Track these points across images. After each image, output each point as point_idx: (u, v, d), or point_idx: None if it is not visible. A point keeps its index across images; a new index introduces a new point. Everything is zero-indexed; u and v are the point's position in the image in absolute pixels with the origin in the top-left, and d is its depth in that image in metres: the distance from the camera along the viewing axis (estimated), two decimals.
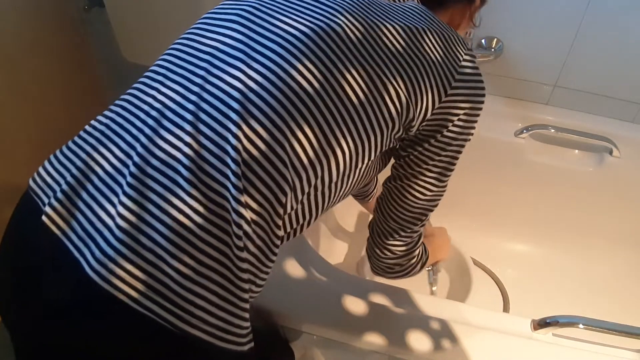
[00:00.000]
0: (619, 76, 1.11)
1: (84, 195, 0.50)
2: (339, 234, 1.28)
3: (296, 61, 0.52)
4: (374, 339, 0.71)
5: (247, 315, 0.53)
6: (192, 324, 0.48)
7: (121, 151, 0.51)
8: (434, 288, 1.05)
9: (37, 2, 1.12)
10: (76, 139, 0.55)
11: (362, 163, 0.57)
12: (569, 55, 1.11)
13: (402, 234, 0.70)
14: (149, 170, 0.49)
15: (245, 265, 0.50)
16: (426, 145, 0.63)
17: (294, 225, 0.57)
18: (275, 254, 0.54)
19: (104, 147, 0.52)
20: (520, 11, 1.08)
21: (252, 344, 0.55)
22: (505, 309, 1.16)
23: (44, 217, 0.50)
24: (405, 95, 0.56)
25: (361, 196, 1.05)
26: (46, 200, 0.51)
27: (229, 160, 0.49)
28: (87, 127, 0.55)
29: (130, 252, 0.47)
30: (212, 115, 0.50)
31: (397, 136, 0.59)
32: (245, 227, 0.49)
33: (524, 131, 1.18)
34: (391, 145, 0.60)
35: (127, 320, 0.48)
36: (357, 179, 0.60)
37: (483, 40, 1.13)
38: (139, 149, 0.50)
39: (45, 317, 0.50)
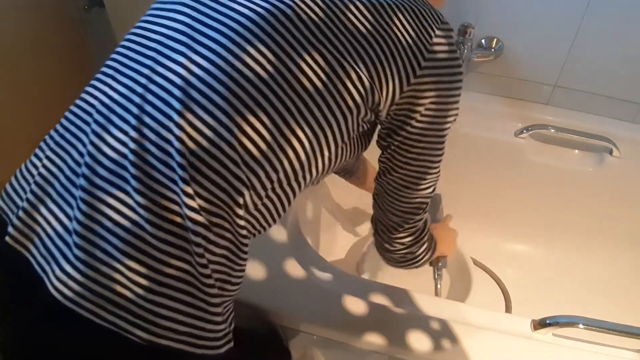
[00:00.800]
0: (619, 76, 1.11)
1: (43, 210, 0.49)
2: (339, 233, 1.28)
3: (247, 44, 0.49)
4: (374, 339, 0.71)
5: (220, 318, 0.52)
6: (159, 335, 0.47)
7: (73, 161, 0.50)
8: (439, 285, 1.04)
9: (37, 2, 1.12)
10: (36, 150, 0.53)
11: (328, 151, 0.54)
12: (569, 55, 1.11)
13: (406, 225, 0.69)
14: (97, 180, 0.47)
15: (208, 271, 0.49)
16: (404, 133, 0.60)
17: (266, 218, 0.55)
18: (245, 252, 0.53)
19: (58, 158, 0.51)
20: (520, 11, 1.08)
21: (230, 344, 0.54)
22: (508, 309, 1.16)
23: (7, 238, 0.49)
24: (368, 79, 0.53)
25: (343, 173, 1.00)
26: (12, 218, 0.51)
27: (173, 152, 0.47)
28: (46, 136, 0.54)
29: (87, 269, 0.46)
30: (156, 105, 0.48)
31: (366, 119, 0.56)
32: (204, 232, 0.48)
33: (524, 131, 1.18)
34: (363, 128, 0.57)
35: (94, 336, 0.47)
36: (328, 165, 0.57)
37: (483, 40, 1.13)
38: (86, 157, 0.48)
39: (17, 337, 0.50)
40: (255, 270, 0.78)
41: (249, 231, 0.53)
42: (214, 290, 0.50)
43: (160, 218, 0.46)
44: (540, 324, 0.73)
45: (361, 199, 1.33)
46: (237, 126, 0.48)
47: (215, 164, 0.48)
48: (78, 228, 0.46)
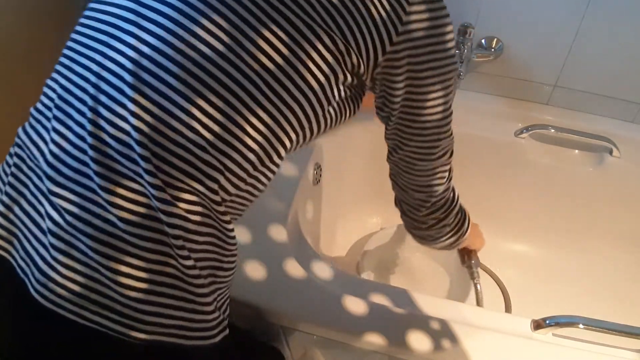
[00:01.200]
0: (619, 76, 1.11)
1: (18, 211, 0.49)
2: (339, 233, 1.28)
3: (201, 17, 0.45)
4: (374, 339, 0.70)
5: (210, 307, 0.50)
6: (147, 331, 0.46)
7: (40, 160, 0.48)
8: (479, 287, 0.99)
9: (37, 2, 1.12)
10: (10, 149, 0.53)
11: (308, 121, 0.51)
12: (569, 55, 1.11)
13: (433, 199, 0.65)
14: (63, 181, 0.46)
15: (190, 262, 0.47)
16: (400, 100, 0.56)
17: (251, 196, 0.53)
18: (232, 237, 0.52)
19: (27, 157, 0.50)
20: (520, 11, 1.08)
21: (225, 333, 0.53)
22: (507, 308, 1.16)
23: None
24: (342, 41, 0.49)
25: None
26: None
27: (133, 144, 0.45)
28: (15, 136, 0.53)
29: (66, 270, 0.45)
30: (110, 94, 0.45)
31: (347, 84, 0.53)
32: (181, 223, 0.46)
33: (524, 131, 1.18)
34: (347, 93, 0.54)
35: (82, 337, 0.47)
36: (315, 133, 0.54)
37: (483, 40, 1.13)
38: (49, 157, 0.47)
39: (7, 340, 0.49)
40: (255, 270, 0.78)
41: (233, 215, 0.52)
42: (200, 281, 0.49)
43: (131, 213, 0.45)
44: (540, 324, 0.73)
45: (361, 198, 1.34)
46: (196, 107, 0.45)
47: (180, 151, 0.45)
48: (53, 228, 0.46)
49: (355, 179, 1.27)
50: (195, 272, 0.48)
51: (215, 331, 0.52)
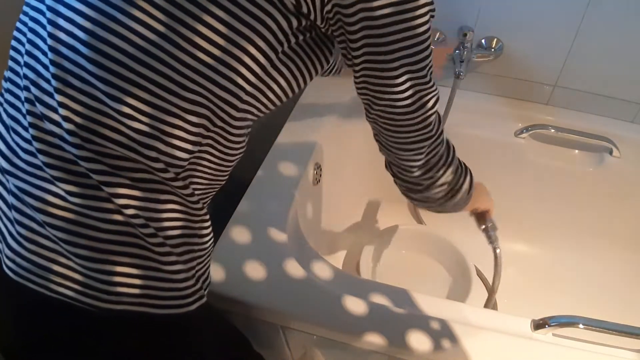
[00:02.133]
0: (619, 76, 1.11)
1: None
2: (339, 233, 1.28)
3: None
4: (374, 339, 0.70)
5: (180, 276, 0.51)
6: (113, 301, 0.47)
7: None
8: (498, 250, 0.94)
9: None
10: None
11: (272, 79, 0.50)
12: (569, 55, 1.11)
13: (423, 157, 0.59)
14: (16, 160, 0.48)
15: (150, 230, 0.48)
16: (365, 43, 0.50)
17: (218, 170, 0.54)
18: (195, 202, 0.52)
19: None
20: (520, 11, 1.07)
21: (201, 301, 0.53)
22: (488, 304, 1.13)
23: None
24: None
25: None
26: None
27: (66, 136, 0.46)
28: None
29: (29, 243, 0.47)
30: (41, 86, 0.47)
31: (295, 27, 0.49)
32: (131, 202, 0.47)
33: (524, 131, 1.18)
34: (298, 38, 0.50)
35: (50, 308, 0.48)
36: (286, 89, 0.53)
37: (483, 40, 1.13)
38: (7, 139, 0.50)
39: None
40: (255, 270, 0.78)
41: (199, 185, 0.53)
42: (165, 249, 0.49)
43: (77, 186, 0.47)
44: (540, 324, 0.73)
45: (361, 198, 1.34)
46: (128, 94, 0.45)
47: (112, 122, 0.46)
48: (15, 203, 0.48)
49: (355, 179, 1.27)
50: (158, 240, 0.49)
51: (190, 299, 0.52)
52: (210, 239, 0.56)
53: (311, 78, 0.56)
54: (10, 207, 0.48)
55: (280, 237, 0.84)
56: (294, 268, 0.79)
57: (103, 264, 0.47)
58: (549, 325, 0.72)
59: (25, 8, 0.51)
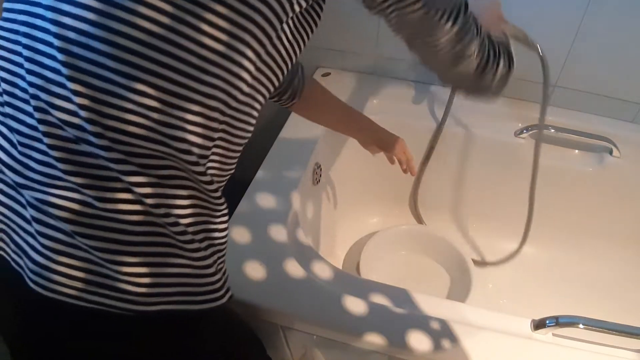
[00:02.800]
0: (619, 76, 1.11)
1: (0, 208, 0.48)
2: (339, 233, 1.28)
3: None
4: (374, 339, 0.70)
5: (211, 270, 0.51)
6: (150, 303, 0.47)
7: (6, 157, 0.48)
8: (540, 52, 0.95)
9: None
10: None
11: (280, 41, 0.49)
12: (569, 55, 1.11)
13: (476, 61, 0.61)
14: (28, 172, 0.46)
15: (180, 228, 0.48)
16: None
17: (231, 150, 0.53)
18: (217, 197, 0.52)
19: None
20: (520, 11, 1.07)
21: (230, 293, 0.54)
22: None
23: None
24: None
25: (277, 97, 0.80)
26: None
27: (92, 139, 0.43)
28: None
29: (58, 255, 0.45)
30: (52, 91, 0.44)
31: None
32: (156, 190, 0.46)
33: (524, 131, 1.18)
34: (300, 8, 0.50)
35: (84, 319, 0.47)
36: (283, 66, 0.53)
37: None
38: (12, 151, 0.47)
39: (14, 339, 0.50)
40: (255, 270, 0.78)
41: (217, 174, 0.52)
42: (195, 245, 0.49)
43: (104, 191, 0.45)
44: (540, 324, 0.73)
45: (361, 198, 1.34)
46: (140, 81, 0.43)
47: (134, 117, 0.44)
48: (36, 215, 0.45)
49: (355, 179, 1.27)
50: (188, 237, 0.48)
51: (221, 292, 0.53)
52: (227, 233, 0.56)
53: (301, 51, 0.55)
54: (30, 220, 0.46)
55: (280, 237, 0.84)
56: (294, 268, 0.79)
57: (138, 267, 0.46)
58: (549, 325, 0.72)
59: (6, 15, 0.48)
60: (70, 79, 0.43)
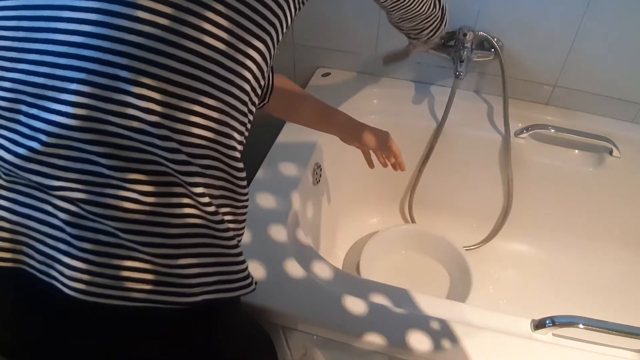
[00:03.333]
0: (619, 76, 1.11)
1: (15, 218, 0.45)
2: (339, 233, 1.28)
3: None
4: (374, 339, 0.71)
5: (241, 257, 0.53)
6: (193, 294, 0.48)
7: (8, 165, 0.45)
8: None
9: None
10: None
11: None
12: (569, 55, 1.11)
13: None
14: (59, 172, 0.43)
15: (219, 217, 0.49)
16: None
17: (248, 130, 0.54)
18: (246, 187, 0.53)
19: None
20: (520, 11, 1.08)
21: (255, 279, 0.56)
22: None
23: None
24: None
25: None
26: None
27: (151, 129, 0.43)
28: None
29: (100, 257, 0.44)
30: (104, 84, 0.42)
31: None
32: (199, 179, 0.46)
33: (524, 131, 1.18)
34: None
35: (129, 317, 0.47)
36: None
37: (484, 40, 1.13)
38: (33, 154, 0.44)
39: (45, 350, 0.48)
40: (255, 270, 0.78)
41: (239, 159, 0.53)
42: (230, 233, 0.50)
43: (151, 185, 0.44)
44: (540, 324, 0.73)
45: (361, 198, 1.34)
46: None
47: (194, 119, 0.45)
48: (71, 219, 0.44)
49: (355, 179, 1.27)
50: (224, 225, 0.49)
51: (251, 279, 0.54)
52: (246, 220, 0.57)
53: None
54: (61, 226, 0.44)
55: (280, 237, 0.84)
56: (294, 268, 0.79)
57: (184, 259, 0.46)
58: (549, 325, 0.72)
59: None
60: (127, 67, 0.42)
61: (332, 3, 1.18)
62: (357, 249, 1.27)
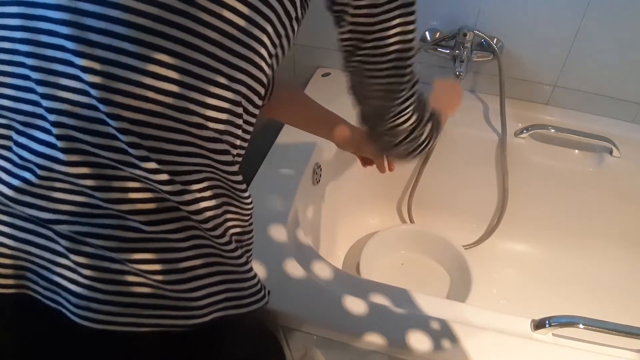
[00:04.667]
0: (619, 76, 1.11)
1: (13, 243, 0.44)
2: (339, 233, 1.28)
3: None
4: (374, 339, 0.70)
5: (252, 273, 0.52)
6: (203, 314, 0.47)
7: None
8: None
9: None
10: None
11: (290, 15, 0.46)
12: (569, 55, 1.11)
13: (400, 106, 0.58)
14: (57, 212, 0.42)
15: (225, 239, 0.47)
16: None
17: (248, 135, 0.50)
18: (246, 190, 0.50)
19: None
20: (520, 11, 1.08)
21: (268, 291, 0.55)
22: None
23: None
24: None
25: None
26: None
27: (115, 133, 0.40)
28: None
29: (106, 285, 0.43)
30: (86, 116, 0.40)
31: None
32: (191, 196, 0.43)
33: (524, 131, 1.18)
34: None
35: (139, 344, 0.46)
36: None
37: (483, 40, 1.13)
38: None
39: None
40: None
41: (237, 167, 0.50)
42: (238, 252, 0.49)
43: (157, 213, 0.43)
44: (540, 324, 0.73)
45: (361, 198, 1.34)
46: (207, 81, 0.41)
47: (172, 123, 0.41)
48: (76, 247, 0.42)
49: (355, 179, 1.27)
50: (226, 239, 0.47)
51: (263, 292, 0.53)
52: (253, 231, 0.55)
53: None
54: (65, 253, 0.43)
55: (280, 237, 0.84)
56: (294, 268, 0.79)
57: (189, 283, 0.46)
58: (549, 325, 0.72)
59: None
60: (98, 96, 0.39)
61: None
62: (357, 249, 1.27)
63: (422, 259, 1.27)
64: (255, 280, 0.52)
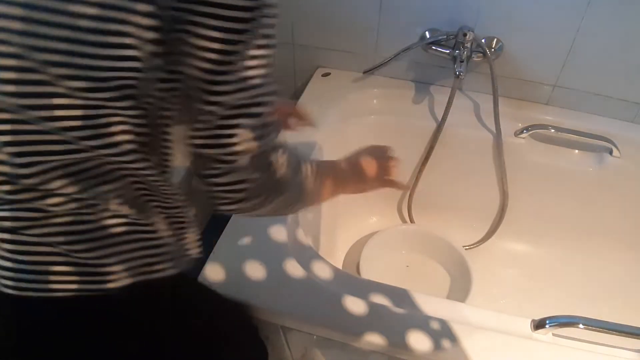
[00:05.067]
0: (619, 76, 1.11)
1: None
2: (339, 233, 1.28)
3: None
4: (374, 339, 0.71)
5: (164, 240, 0.54)
6: (118, 279, 0.50)
7: None
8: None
9: None
10: None
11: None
12: (569, 55, 1.11)
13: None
14: None
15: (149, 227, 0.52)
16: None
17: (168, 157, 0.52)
18: (174, 192, 0.54)
19: None
20: (520, 11, 1.07)
21: (198, 250, 0.59)
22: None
23: None
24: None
25: None
26: None
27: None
28: None
29: (24, 256, 0.48)
30: None
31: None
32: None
33: (524, 131, 1.18)
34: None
35: (59, 309, 0.49)
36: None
37: (483, 40, 1.13)
38: None
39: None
40: (255, 270, 0.78)
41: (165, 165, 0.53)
42: (158, 234, 0.53)
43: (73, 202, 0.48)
44: (540, 324, 0.73)
45: (361, 199, 1.34)
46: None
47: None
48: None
49: None
50: (154, 227, 0.52)
51: (174, 261, 0.56)
52: (185, 207, 0.58)
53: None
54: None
55: (280, 237, 0.84)
56: (294, 268, 0.79)
57: (98, 251, 0.49)
58: (549, 325, 0.72)
59: None
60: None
61: (332, 3, 1.18)
62: (357, 249, 1.27)
63: (422, 259, 1.27)
64: (167, 249, 0.55)
